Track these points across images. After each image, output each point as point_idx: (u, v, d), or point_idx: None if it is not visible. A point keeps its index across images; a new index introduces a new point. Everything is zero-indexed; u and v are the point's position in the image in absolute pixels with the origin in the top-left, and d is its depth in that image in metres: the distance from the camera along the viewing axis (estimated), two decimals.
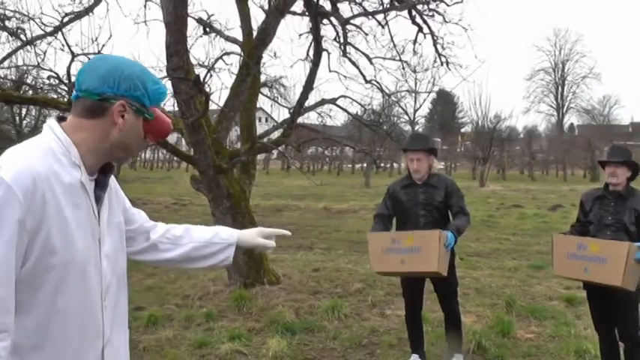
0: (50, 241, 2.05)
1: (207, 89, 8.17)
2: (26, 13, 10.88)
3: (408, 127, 63.93)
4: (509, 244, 14.72)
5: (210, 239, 2.75)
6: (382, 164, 50.89)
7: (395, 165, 54.49)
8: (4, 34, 11.36)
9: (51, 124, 2.22)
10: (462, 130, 77.10)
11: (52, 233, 2.05)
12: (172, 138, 26.76)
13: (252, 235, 2.84)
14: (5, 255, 1.95)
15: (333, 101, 11.29)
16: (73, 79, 8.40)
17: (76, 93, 2.25)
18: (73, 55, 8.55)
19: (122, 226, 2.47)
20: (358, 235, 16.28)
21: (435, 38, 11.84)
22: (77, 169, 2.17)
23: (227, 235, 2.79)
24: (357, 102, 12.65)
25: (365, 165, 45.17)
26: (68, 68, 8.33)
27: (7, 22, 11.50)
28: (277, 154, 52.90)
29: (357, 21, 11.30)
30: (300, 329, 7.63)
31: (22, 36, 11.11)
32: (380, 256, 6.02)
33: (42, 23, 10.64)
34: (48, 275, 2.06)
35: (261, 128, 12.96)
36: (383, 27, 11.59)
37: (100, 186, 2.28)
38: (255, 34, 9.67)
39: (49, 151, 2.14)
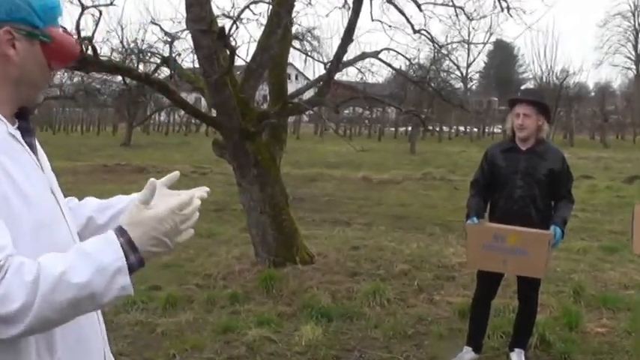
0: (9, 205, 1.97)
1: (233, 43, 8.23)
2: None
3: (459, 85, 63.44)
4: (577, 221, 14.45)
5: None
6: (430, 127, 50.62)
7: (445, 128, 54.17)
8: None
9: None
10: (523, 87, 76.29)
11: (8, 196, 1.97)
12: (191, 98, 26.89)
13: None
14: None
15: (375, 54, 11.26)
16: (82, 33, 8.47)
17: None
18: (83, 8, 8.61)
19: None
20: (402, 209, 16.30)
21: None
22: None
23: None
24: (402, 55, 12.61)
25: (410, 128, 44.95)
26: (77, 22, 8.40)
27: None
28: (310, 116, 52.89)
29: None
30: (337, 315, 7.72)
31: None
32: (479, 252, 6.03)
33: None
34: (17, 242, 1.93)
35: (292, 87, 12.99)
36: None
37: (27, 133, 2.19)
38: None
39: None
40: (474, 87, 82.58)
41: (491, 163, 6.37)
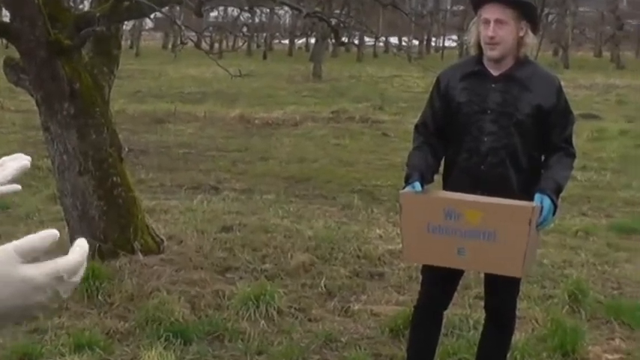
0: None
1: None
2: None
3: None
4: (576, 186, 14.39)
5: None
6: (345, 39, 50.60)
7: (368, 41, 54.42)
8: None
9: None
10: None
11: None
12: None
13: None
14: None
15: None
16: None
17: None
18: None
19: None
20: (302, 168, 16.38)
21: None
22: None
23: None
24: None
25: (313, 41, 45.05)
26: None
27: None
28: (157, 21, 52.37)
29: None
30: (200, 334, 7.75)
31: None
32: (422, 236, 5.85)
33: None
34: None
35: None
36: None
37: None
38: None
39: None
40: None
41: (446, 97, 6.18)
